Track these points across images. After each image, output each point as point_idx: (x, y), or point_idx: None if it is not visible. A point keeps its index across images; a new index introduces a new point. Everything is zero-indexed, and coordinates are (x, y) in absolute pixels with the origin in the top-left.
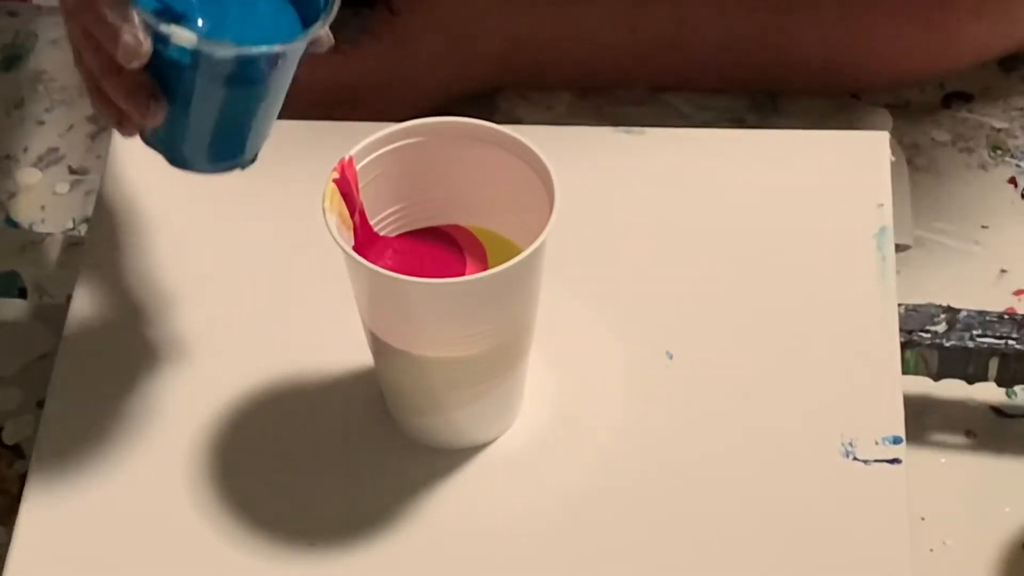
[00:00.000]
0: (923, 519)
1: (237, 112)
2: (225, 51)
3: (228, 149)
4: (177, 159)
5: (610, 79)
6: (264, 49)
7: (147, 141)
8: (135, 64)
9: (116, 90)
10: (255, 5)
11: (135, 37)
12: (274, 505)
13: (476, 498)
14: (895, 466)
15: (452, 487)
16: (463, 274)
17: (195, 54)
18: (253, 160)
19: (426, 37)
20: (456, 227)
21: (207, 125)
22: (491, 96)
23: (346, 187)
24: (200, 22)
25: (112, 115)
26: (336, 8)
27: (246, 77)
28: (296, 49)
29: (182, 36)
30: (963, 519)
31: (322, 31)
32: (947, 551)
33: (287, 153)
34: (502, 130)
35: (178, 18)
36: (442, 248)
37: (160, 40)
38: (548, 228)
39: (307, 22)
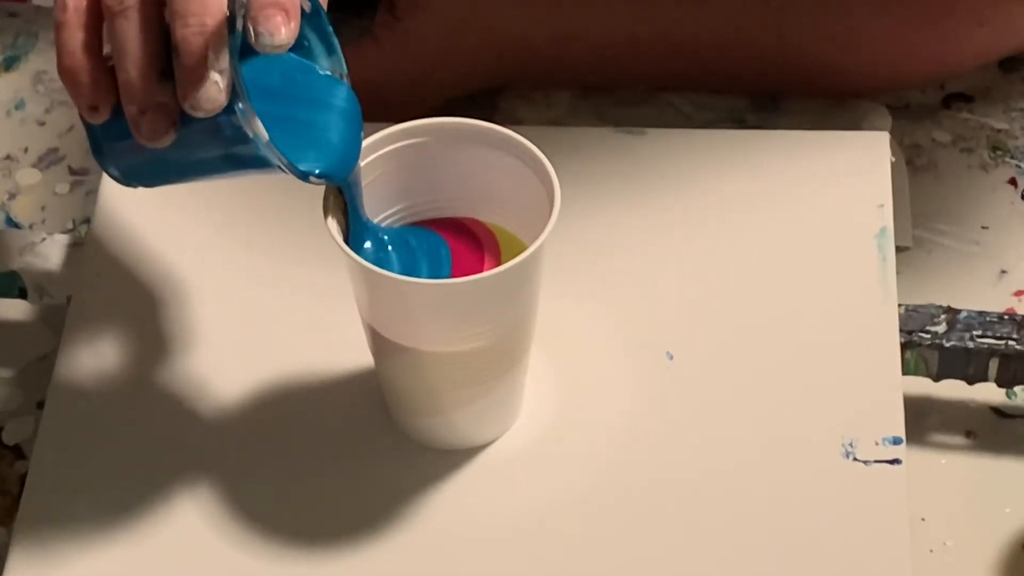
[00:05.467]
0: (923, 520)
1: (208, 172)
2: (277, 158)
3: (155, 180)
4: (101, 155)
5: (610, 79)
6: (307, 168)
7: (86, 123)
8: (198, 115)
9: (140, 96)
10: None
11: (221, 92)
12: (274, 505)
13: (476, 498)
14: (895, 466)
15: (452, 487)
16: (480, 267)
17: (245, 139)
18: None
19: (428, 40)
20: (468, 219)
21: (169, 162)
22: (491, 96)
23: None
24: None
25: (87, 97)
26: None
27: (260, 165)
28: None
29: (259, 131)
30: (963, 519)
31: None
32: (947, 552)
33: None
34: (502, 131)
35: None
36: (455, 238)
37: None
38: (548, 229)
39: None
